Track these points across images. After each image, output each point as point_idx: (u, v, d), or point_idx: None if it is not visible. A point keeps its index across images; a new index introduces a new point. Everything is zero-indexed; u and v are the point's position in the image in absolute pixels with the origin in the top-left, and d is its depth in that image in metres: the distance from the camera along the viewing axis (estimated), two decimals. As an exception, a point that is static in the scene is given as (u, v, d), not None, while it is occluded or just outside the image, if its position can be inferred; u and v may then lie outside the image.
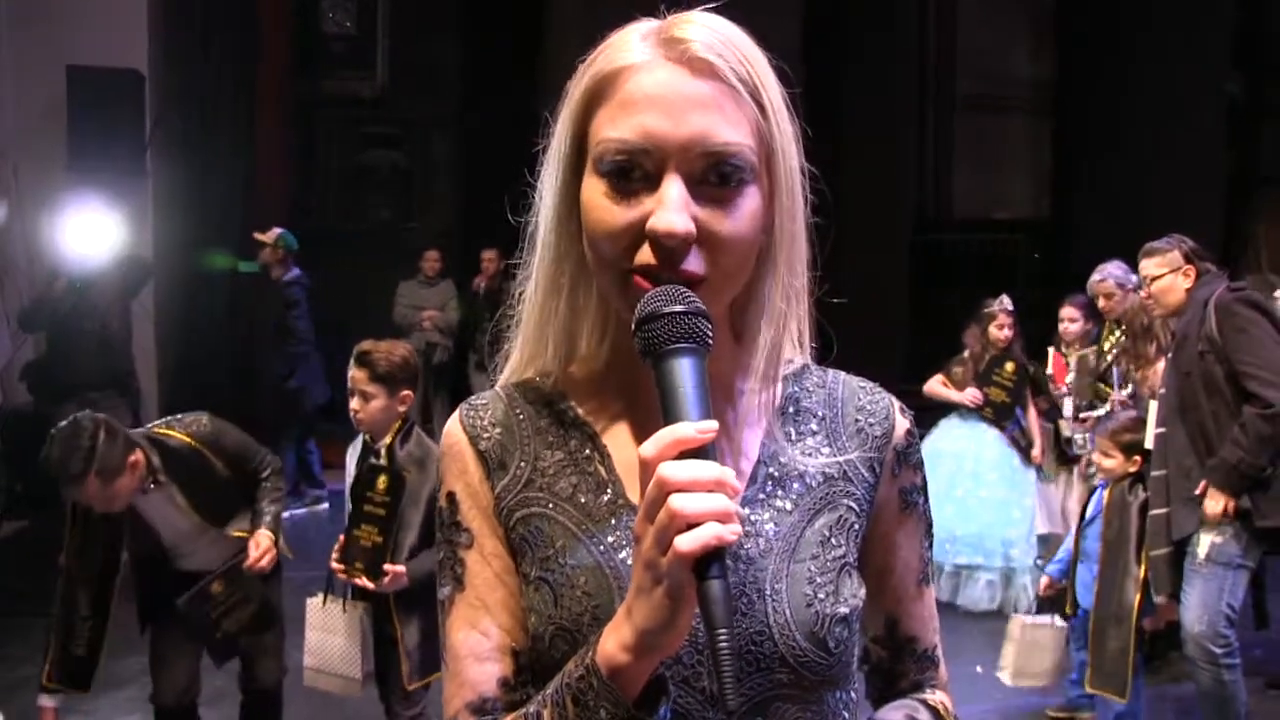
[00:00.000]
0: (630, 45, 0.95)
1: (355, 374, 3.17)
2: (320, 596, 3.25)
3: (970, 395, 5.67)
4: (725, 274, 0.93)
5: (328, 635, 3.23)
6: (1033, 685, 4.29)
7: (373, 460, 3.18)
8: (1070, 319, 5.50)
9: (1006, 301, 5.67)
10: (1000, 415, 5.68)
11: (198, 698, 3.54)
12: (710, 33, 0.94)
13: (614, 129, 0.93)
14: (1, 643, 5.03)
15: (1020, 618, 4.41)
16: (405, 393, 3.18)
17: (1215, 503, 3.61)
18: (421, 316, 8.48)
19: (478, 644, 1.00)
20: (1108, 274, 5.21)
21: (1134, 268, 5.12)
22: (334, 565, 3.12)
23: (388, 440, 3.17)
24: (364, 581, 3.06)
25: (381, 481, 3.09)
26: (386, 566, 3.03)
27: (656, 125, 0.91)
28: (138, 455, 3.06)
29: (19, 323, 6.51)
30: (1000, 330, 5.64)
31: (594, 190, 0.94)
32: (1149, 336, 4.52)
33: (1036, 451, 5.68)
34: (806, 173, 1.00)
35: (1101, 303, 5.25)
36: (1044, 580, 4.34)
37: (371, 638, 3.21)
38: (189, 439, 3.25)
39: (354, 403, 3.18)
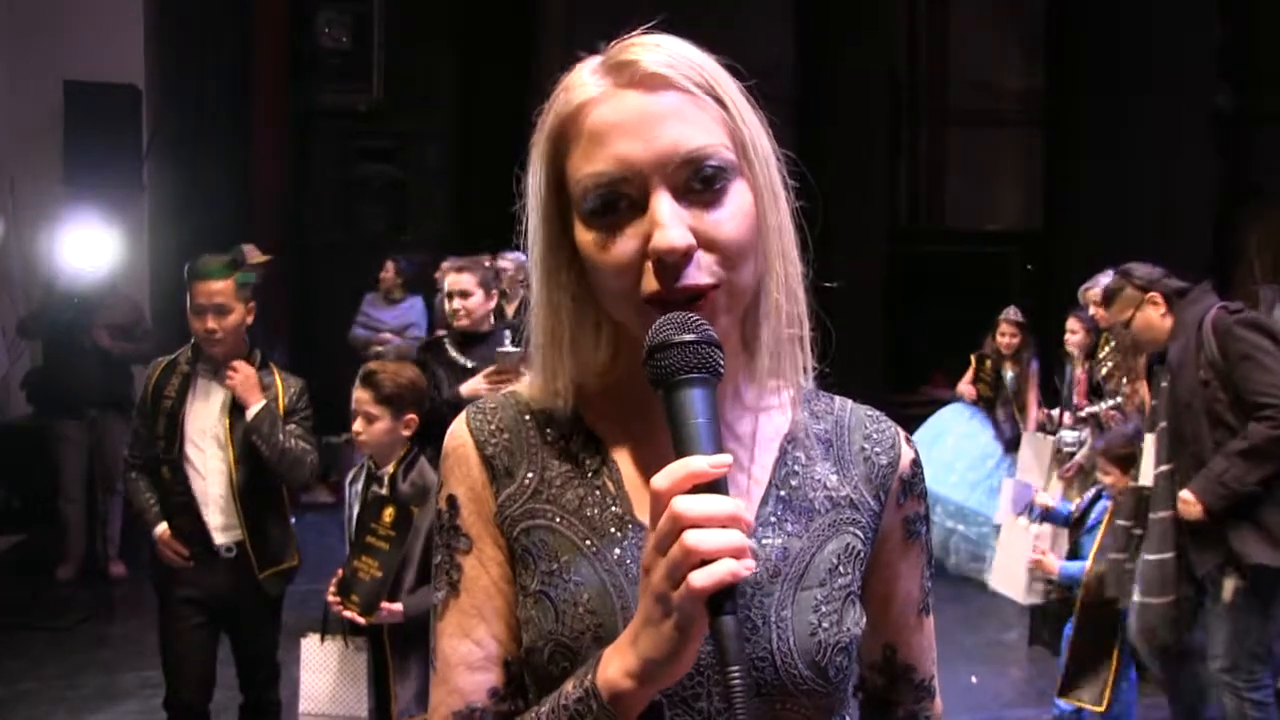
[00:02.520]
0: (582, 82, 0.96)
1: (360, 394, 3.13)
2: (317, 636, 3.16)
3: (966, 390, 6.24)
4: (735, 275, 0.93)
5: (325, 676, 3.13)
6: (1012, 593, 4.30)
7: (376, 489, 3.11)
8: (1071, 330, 5.56)
9: (1011, 312, 5.95)
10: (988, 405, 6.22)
11: (210, 699, 3.51)
12: (655, 48, 0.95)
13: (589, 165, 0.93)
14: (1, 656, 5.02)
15: (1010, 521, 4.53)
16: (410, 416, 3.12)
17: (1189, 507, 3.48)
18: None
19: (470, 653, 0.99)
20: (1096, 282, 5.26)
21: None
22: (330, 598, 3.04)
23: (391, 469, 3.11)
24: (354, 615, 2.97)
25: (389, 514, 2.99)
26: (383, 604, 2.95)
27: (628, 150, 0.91)
28: (254, 308, 3.45)
29: (18, 330, 6.52)
30: (1001, 338, 6.03)
31: (587, 239, 0.94)
32: (1137, 350, 4.55)
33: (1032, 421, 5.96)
34: (781, 159, 1.00)
35: (1092, 310, 5.29)
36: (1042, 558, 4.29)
37: (374, 679, 3.11)
38: (278, 378, 3.50)
39: (357, 424, 3.13)
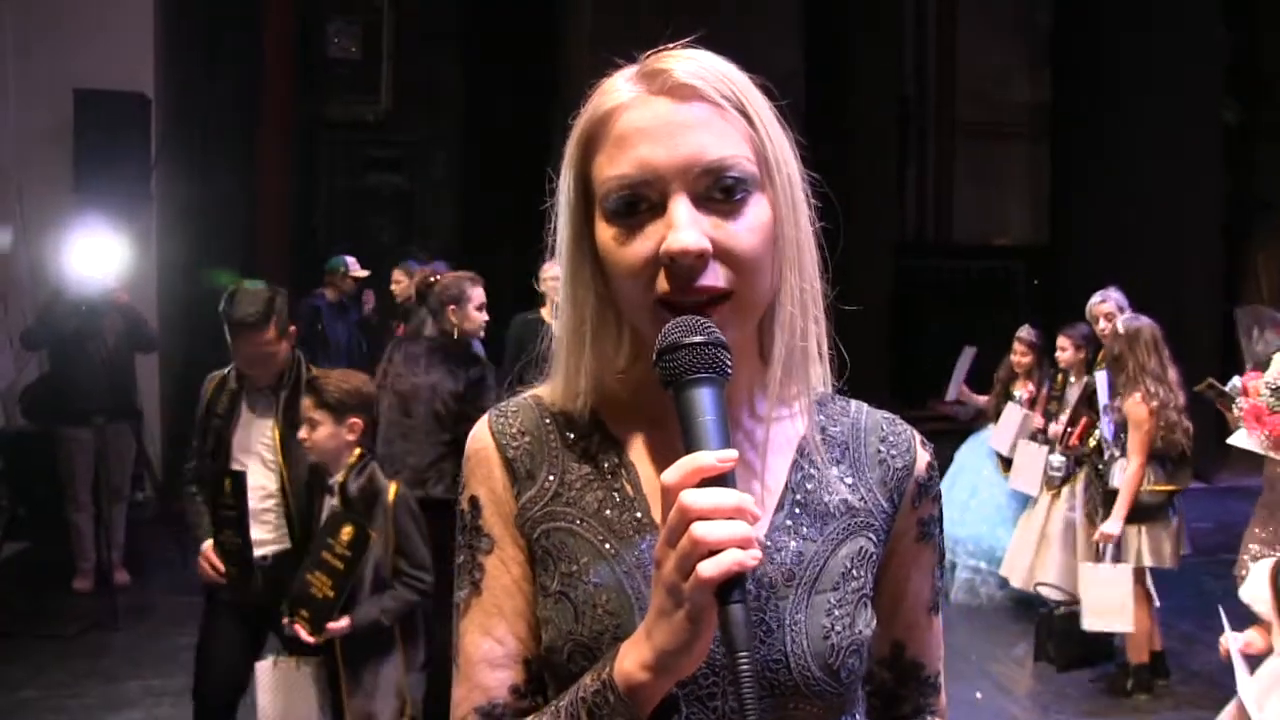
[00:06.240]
0: (615, 88, 0.99)
1: (305, 401, 3.13)
2: (271, 659, 3.12)
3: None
4: (748, 286, 0.95)
5: (280, 697, 3.08)
6: (1115, 627, 4.52)
7: (331, 501, 3.08)
8: (1061, 348, 5.56)
9: (1024, 331, 5.99)
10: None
11: (238, 700, 3.46)
12: (687, 60, 0.97)
13: (613, 168, 0.96)
14: (3, 663, 5.01)
15: (1087, 565, 4.67)
16: (353, 420, 3.09)
17: None
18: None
19: (491, 650, 1.01)
20: (1108, 296, 5.26)
21: (1131, 294, 5.24)
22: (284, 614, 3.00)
23: (340, 476, 3.09)
24: (303, 630, 2.93)
25: (346, 532, 2.93)
26: (329, 625, 2.92)
27: (652, 154, 0.94)
28: (295, 331, 3.36)
29: (21, 341, 6.52)
30: (1014, 356, 6.08)
31: (606, 236, 0.97)
32: (1128, 364, 4.61)
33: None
34: (806, 179, 1.02)
35: (1101, 324, 5.28)
36: None
37: (329, 696, 3.07)
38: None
39: (302, 431, 3.12)
